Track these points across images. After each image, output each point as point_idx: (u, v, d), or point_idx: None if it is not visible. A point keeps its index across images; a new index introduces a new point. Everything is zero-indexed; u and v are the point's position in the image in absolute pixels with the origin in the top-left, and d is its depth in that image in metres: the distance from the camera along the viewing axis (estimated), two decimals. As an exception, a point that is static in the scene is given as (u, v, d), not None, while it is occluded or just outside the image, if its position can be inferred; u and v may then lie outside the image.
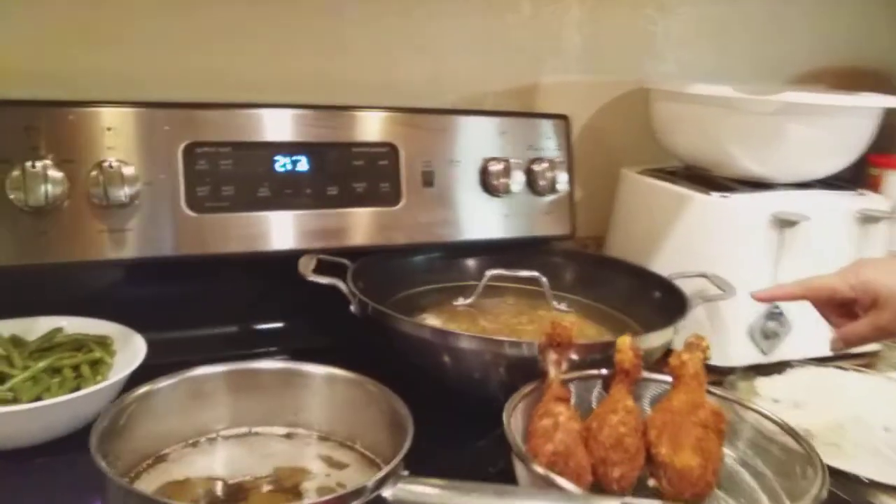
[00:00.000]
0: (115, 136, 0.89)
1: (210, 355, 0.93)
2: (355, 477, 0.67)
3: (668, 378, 0.76)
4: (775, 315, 1.05)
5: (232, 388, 0.70)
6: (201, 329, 1.00)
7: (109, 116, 0.89)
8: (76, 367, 0.82)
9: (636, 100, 1.24)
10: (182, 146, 0.92)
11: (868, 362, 1.07)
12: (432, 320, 0.98)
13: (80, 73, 0.96)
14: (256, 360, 0.73)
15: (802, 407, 0.94)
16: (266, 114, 0.97)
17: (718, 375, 1.00)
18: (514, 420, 0.70)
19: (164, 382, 0.67)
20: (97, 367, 0.83)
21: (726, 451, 0.73)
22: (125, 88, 0.95)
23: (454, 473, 0.73)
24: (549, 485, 0.61)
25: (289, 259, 0.94)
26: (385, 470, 0.56)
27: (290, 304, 1.04)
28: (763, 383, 0.99)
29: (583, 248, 1.25)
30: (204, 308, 1.00)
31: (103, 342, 0.87)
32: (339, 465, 0.69)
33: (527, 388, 0.74)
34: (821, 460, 0.65)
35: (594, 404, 0.77)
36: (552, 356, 0.75)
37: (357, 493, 0.55)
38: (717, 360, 1.03)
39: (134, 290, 0.96)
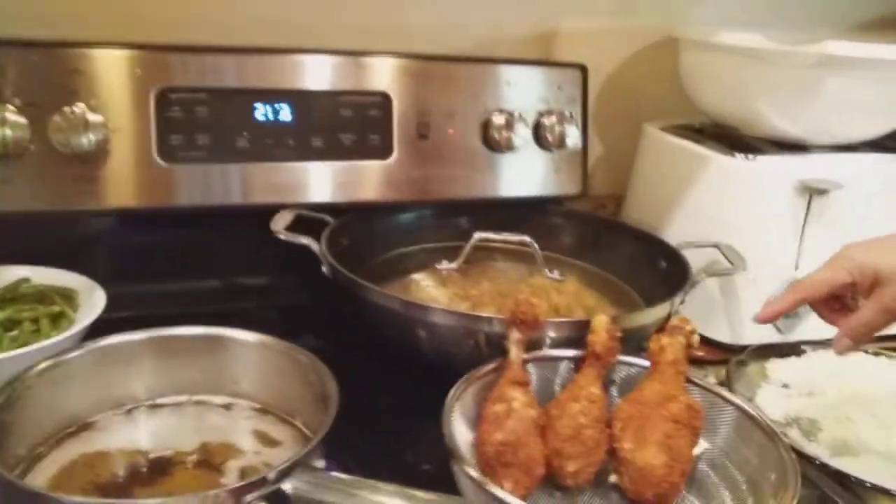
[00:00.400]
0: (83, 79, 0.84)
1: (183, 310, 0.92)
2: (284, 456, 0.62)
3: (648, 363, 0.69)
4: (798, 292, 0.95)
5: (161, 354, 0.66)
6: (174, 283, 0.97)
7: (76, 58, 0.84)
8: (35, 320, 0.80)
9: (666, 49, 1.13)
10: (154, 91, 0.87)
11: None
12: (414, 286, 0.92)
13: (46, 11, 0.91)
14: (181, 326, 0.68)
15: (815, 395, 0.86)
16: (247, 59, 0.91)
17: (728, 354, 0.92)
18: (461, 404, 0.64)
19: (70, 354, 0.63)
20: (58, 321, 0.81)
21: (704, 449, 0.66)
22: (94, 28, 0.91)
23: (397, 459, 0.69)
24: (483, 492, 0.55)
25: (268, 214, 0.89)
26: (288, 461, 0.51)
27: (270, 260, 0.99)
28: (776, 366, 0.90)
29: (588, 210, 1.16)
30: (177, 262, 0.97)
31: (68, 295, 0.84)
32: (272, 443, 0.65)
33: (482, 369, 0.68)
34: (797, 477, 0.57)
35: (558, 389, 0.70)
36: (515, 335, 0.68)
37: (255, 484, 0.50)
38: (728, 338, 0.96)
39: (103, 242, 0.93)
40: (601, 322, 0.69)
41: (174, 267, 0.97)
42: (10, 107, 0.81)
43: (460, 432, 0.63)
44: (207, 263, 0.99)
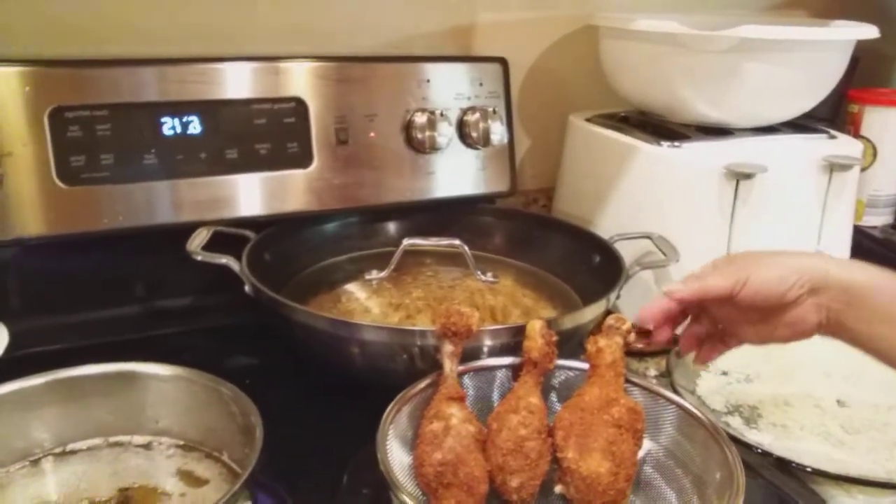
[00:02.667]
0: (-33, 101, 0.78)
1: (98, 340, 0.88)
2: (213, 496, 0.58)
3: (587, 366, 0.67)
4: (730, 277, 0.94)
5: (67, 397, 0.61)
6: (88, 313, 0.91)
7: (-43, 79, 0.78)
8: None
9: (587, 38, 1.11)
10: (48, 110, 0.81)
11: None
12: (344, 298, 0.88)
13: None
14: (86, 365, 0.63)
15: (754, 380, 0.86)
16: (147, 70, 0.86)
17: (667, 344, 0.91)
18: (395, 426, 0.61)
19: None
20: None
21: (648, 450, 0.64)
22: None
23: (334, 486, 0.65)
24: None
25: (186, 233, 0.84)
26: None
27: (191, 282, 0.94)
28: (714, 353, 0.90)
29: (518, 207, 1.14)
30: (89, 290, 0.91)
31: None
32: (199, 482, 0.61)
33: (416, 387, 0.65)
34: (742, 477, 0.55)
35: (496, 400, 0.68)
36: (448, 348, 0.66)
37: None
38: (665, 329, 0.94)
39: (4, 275, 0.87)
40: (536, 327, 0.67)
41: (86, 296, 0.91)
42: None
43: (396, 456, 0.60)
44: (123, 289, 0.93)
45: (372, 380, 0.76)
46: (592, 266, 0.92)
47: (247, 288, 0.80)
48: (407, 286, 0.92)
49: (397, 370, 0.73)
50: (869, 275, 0.63)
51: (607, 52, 1.05)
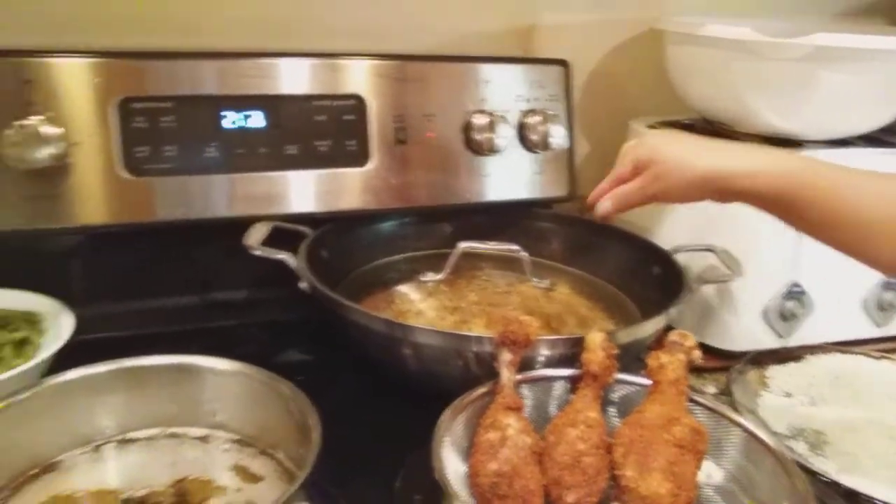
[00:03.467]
0: (36, 90, 0.79)
1: (157, 329, 0.89)
2: (267, 494, 0.58)
3: (648, 381, 0.65)
4: (795, 294, 0.92)
5: (130, 385, 0.61)
6: (147, 301, 0.92)
7: (27, 68, 0.79)
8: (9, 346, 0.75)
9: (651, 42, 1.09)
10: (116, 101, 0.82)
11: (903, 349, 0.94)
12: (398, 299, 0.88)
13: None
14: (150, 355, 0.63)
15: (819, 403, 0.83)
16: (214, 64, 0.86)
17: (726, 361, 0.89)
18: (451, 433, 0.60)
19: (29, 392, 0.58)
20: (22, 348, 0.76)
21: (710, 473, 0.62)
22: (47, 34, 0.85)
23: (386, 490, 0.65)
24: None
25: (243, 227, 0.85)
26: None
27: (248, 275, 0.94)
28: (776, 373, 0.88)
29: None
30: (149, 279, 0.92)
31: (32, 319, 0.79)
32: (253, 479, 0.60)
33: (472, 394, 0.64)
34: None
35: (554, 411, 0.67)
36: (506, 356, 0.64)
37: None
38: (725, 344, 0.92)
39: (69, 261, 0.88)
40: (597, 340, 0.65)
41: (146, 284, 0.92)
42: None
43: (452, 464, 0.59)
44: (181, 280, 0.94)
45: (426, 383, 0.75)
46: (652, 277, 0.90)
47: (302, 284, 0.80)
48: (462, 289, 0.91)
49: (451, 375, 0.72)
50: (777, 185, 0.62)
51: (673, 57, 1.03)
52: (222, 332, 0.92)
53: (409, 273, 0.94)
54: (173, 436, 0.63)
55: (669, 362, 0.64)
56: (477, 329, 0.84)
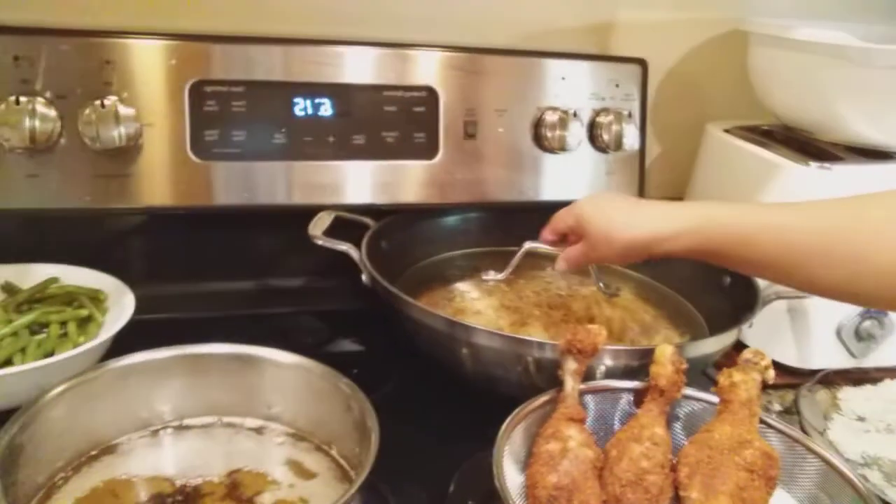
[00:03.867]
0: (114, 70, 0.80)
1: (214, 313, 0.89)
2: (320, 492, 0.58)
3: (716, 399, 0.63)
4: (875, 314, 0.87)
5: (189, 373, 0.62)
6: (206, 284, 0.93)
7: (108, 48, 0.80)
8: (63, 324, 0.76)
9: (732, 43, 1.05)
10: (189, 84, 0.82)
11: None
12: (458, 296, 0.86)
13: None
14: (211, 343, 0.63)
15: (895, 430, 0.78)
16: (285, 50, 0.86)
17: (794, 378, 0.85)
18: (513, 440, 0.59)
19: (92, 374, 0.59)
20: (85, 325, 0.77)
21: (782, 501, 0.59)
22: (127, 16, 0.86)
23: (440, 494, 0.63)
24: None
25: (306, 215, 0.84)
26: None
27: (308, 263, 0.94)
28: (849, 395, 0.84)
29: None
30: (210, 263, 0.92)
31: (96, 297, 0.80)
32: (307, 475, 0.60)
33: (534, 402, 0.62)
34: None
35: (617, 425, 0.64)
36: (571, 365, 0.62)
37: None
38: (794, 362, 0.88)
39: (134, 241, 0.89)
40: (666, 353, 0.63)
41: (206, 268, 0.93)
42: (41, 99, 0.77)
43: (509, 473, 0.57)
44: (242, 265, 0.94)
45: (484, 384, 0.74)
46: (721, 287, 0.86)
47: (364, 277, 0.79)
48: (522, 289, 0.90)
49: (509, 379, 0.71)
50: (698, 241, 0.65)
51: (757, 59, 0.99)
52: (279, 320, 0.92)
53: (470, 270, 0.93)
54: (229, 425, 0.64)
55: (742, 381, 0.61)
56: (535, 331, 0.82)
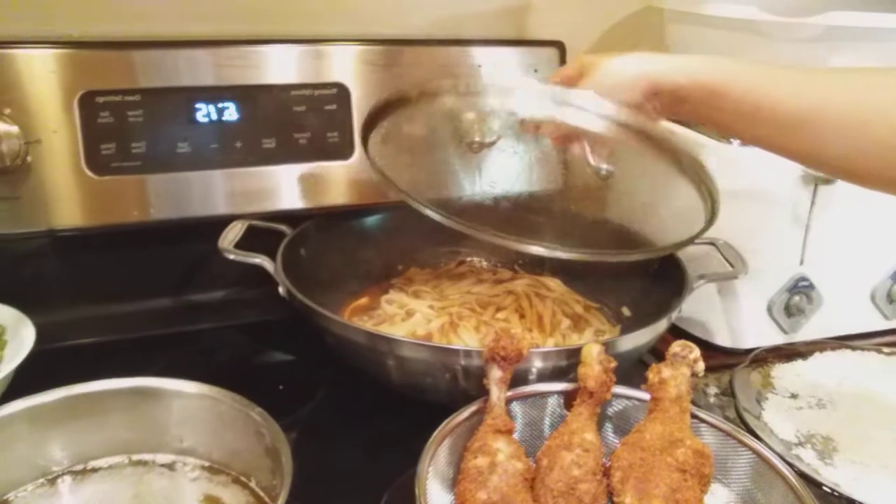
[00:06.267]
0: (-5, 84, 0.74)
1: (127, 335, 0.84)
2: (237, 529, 0.54)
3: (647, 396, 0.61)
4: (803, 288, 0.87)
5: (86, 413, 0.57)
6: (117, 306, 0.87)
7: (-15, 60, 0.73)
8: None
9: (648, 19, 1.03)
10: (79, 95, 0.77)
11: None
12: (384, 302, 0.84)
13: None
14: (103, 379, 0.59)
15: (827, 405, 0.78)
16: (182, 53, 0.81)
17: (728, 358, 0.84)
18: (438, 458, 0.56)
19: None
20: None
21: (717, 494, 0.58)
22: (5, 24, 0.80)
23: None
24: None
25: (218, 226, 0.80)
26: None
27: (224, 275, 0.90)
28: (782, 371, 0.83)
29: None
30: (119, 283, 0.87)
31: (-12, 330, 0.75)
32: (224, 511, 0.56)
33: (461, 415, 0.59)
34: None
35: (547, 430, 0.62)
36: (496, 374, 0.60)
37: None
38: (728, 342, 0.88)
39: (31, 267, 0.83)
40: (593, 352, 0.61)
41: (116, 289, 0.87)
42: None
43: (436, 494, 0.54)
44: (154, 283, 0.89)
45: (412, 394, 0.71)
46: (650, 273, 0.85)
47: (281, 290, 0.76)
48: (451, 288, 0.87)
49: (438, 388, 0.68)
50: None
51: (674, 37, 0.97)
52: (200, 337, 0.87)
53: (395, 268, 0.89)
54: (139, 463, 0.59)
55: (672, 377, 0.59)
56: (466, 332, 0.80)
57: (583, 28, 1.06)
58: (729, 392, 0.80)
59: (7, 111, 0.74)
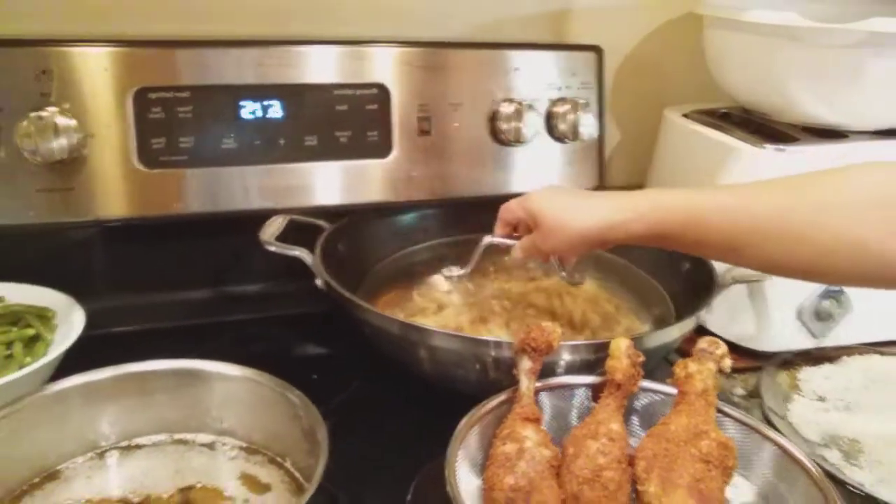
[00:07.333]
0: (51, 80, 0.78)
1: (170, 324, 0.88)
2: (274, 504, 0.57)
3: (673, 390, 0.62)
4: (833, 293, 0.87)
5: (134, 392, 0.60)
6: (161, 295, 0.91)
7: (45, 57, 0.77)
8: (9, 344, 0.74)
9: (687, 25, 1.04)
10: (132, 91, 0.80)
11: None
12: (418, 296, 0.86)
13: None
14: (153, 360, 0.62)
15: (854, 409, 0.79)
16: (230, 52, 0.84)
17: (756, 361, 0.85)
18: (468, 444, 0.58)
19: (28, 399, 0.57)
20: (33, 345, 0.75)
21: (740, 488, 0.59)
22: (64, 22, 0.84)
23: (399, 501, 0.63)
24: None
25: (260, 219, 0.83)
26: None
27: (264, 268, 0.93)
28: (809, 375, 0.84)
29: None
30: (163, 273, 0.91)
31: (44, 315, 0.78)
32: (261, 488, 0.59)
33: (490, 402, 0.61)
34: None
35: (574, 421, 0.64)
36: (526, 364, 0.62)
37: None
38: (755, 344, 0.88)
39: (82, 255, 0.87)
40: (622, 347, 0.62)
41: (160, 278, 0.91)
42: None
43: (465, 477, 0.56)
44: (197, 273, 0.93)
45: (443, 384, 0.73)
46: (681, 273, 0.86)
47: (318, 281, 0.78)
48: (483, 284, 0.89)
49: (468, 378, 0.70)
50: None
51: (712, 43, 0.98)
52: (238, 327, 0.91)
53: (431, 267, 0.91)
54: (180, 442, 0.62)
55: (698, 371, 0.60)
56: (495, 327, 0.81)
57: (621, 33, 1.07)
58: (755, 394, 0.81)
59: (66, 105, 0.78)
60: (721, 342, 0.63)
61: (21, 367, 0.69)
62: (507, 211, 0.76)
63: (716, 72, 0.99)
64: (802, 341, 0.87)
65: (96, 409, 0.59)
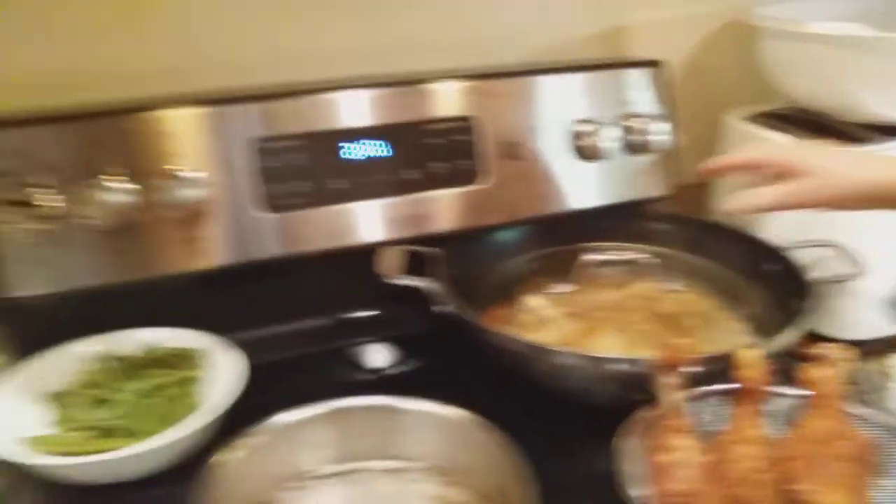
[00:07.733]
0: (177, 139, 0.83)
1: (302, 351, 0.96)
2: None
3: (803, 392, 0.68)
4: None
5: (337, 425, 0.69)
6: (289, 325, 0.99)
7: (167, 119, 0.82)
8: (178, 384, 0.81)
9: (734, 32, 1.10)
10: (251, 141, 0.85)
11: None
12: (525, 312, 0.92)
13: (124, 71, 0.91)
14: (355, 398, 0.70)
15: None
16: (335, 97, 0.89)
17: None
18: (625, 454, 0.64)
19: (255, 438, 0.65)
20: (188, 385, 0.81)
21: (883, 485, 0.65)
22: (171, 83, 0.91)
23: None
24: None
25: (368, 252, 0.89)
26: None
27: (384, 293, 0.98)
28: (897, 361, 0.90)
29: (684, 212, 1.13)
30: (292, 306, 0.98)
31: (190, 356, 0.85)
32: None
33: (642, 414, 0.68)
34: None
35: (713, 427, 0.70)
36: (668, 379, 0.68)
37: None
38: (843, 333, 0.93)
39: (218, 298, 0.92)
40: (753, 357, 0.68)
41: (286, 311, 0.98)
42: (106, 177, 0.79)
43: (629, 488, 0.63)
44: (311, 304, 0.99)
45: (568, 400, 0.79)
46: (765, 274, 0.92)
47: (436, 307, 0.84)
48: (585, 293, 0.95)
49: (603, 393, 0.76)
50: None
51: (768, 51, 1.03)
52: (354, 352, 0.97)
53: (530, 278, 0.98)
54: (374, 470, 0.69)
55: (820, 378, 0.66)
56: (607, 337, 0.87)
57: (673, 45, 1.13)
58: (852, 382, 0.86)
59: (188, 160, 0.83)
60: (837, 348, 0.69)
61: (193, 408, 0.76)
62: (759, 154, 0.74)
63: (773, 77, 1.05)
64: (888, 329, 0.93)
65: (303, 442, 0.67)
